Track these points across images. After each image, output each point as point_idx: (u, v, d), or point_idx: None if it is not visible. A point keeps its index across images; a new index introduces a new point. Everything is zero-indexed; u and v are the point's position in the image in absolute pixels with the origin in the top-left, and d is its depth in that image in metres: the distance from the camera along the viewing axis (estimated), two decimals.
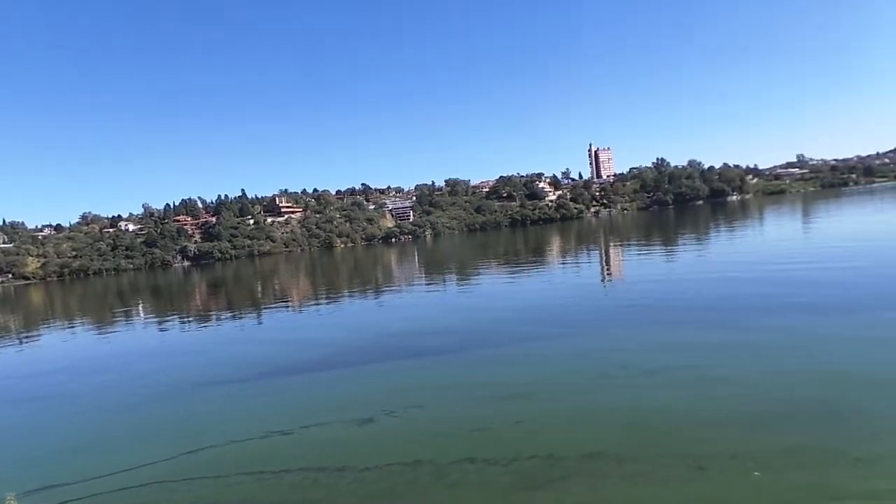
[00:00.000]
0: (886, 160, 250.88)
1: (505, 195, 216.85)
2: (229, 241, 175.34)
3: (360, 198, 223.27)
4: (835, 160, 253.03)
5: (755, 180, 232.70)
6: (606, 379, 12.17)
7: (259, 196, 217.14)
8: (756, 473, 7.36)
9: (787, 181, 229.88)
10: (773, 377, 11.04)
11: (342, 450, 9.92)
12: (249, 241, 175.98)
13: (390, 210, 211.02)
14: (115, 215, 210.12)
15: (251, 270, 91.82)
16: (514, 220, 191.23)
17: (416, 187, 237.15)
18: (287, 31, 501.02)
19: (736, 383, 10.96)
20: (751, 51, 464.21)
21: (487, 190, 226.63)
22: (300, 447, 10.31)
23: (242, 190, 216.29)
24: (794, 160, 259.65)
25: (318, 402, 13.02)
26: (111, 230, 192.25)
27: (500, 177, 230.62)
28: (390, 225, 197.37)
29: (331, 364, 16.62)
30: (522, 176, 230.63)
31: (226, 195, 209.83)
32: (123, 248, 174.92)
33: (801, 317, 15.73)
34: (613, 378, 12.14)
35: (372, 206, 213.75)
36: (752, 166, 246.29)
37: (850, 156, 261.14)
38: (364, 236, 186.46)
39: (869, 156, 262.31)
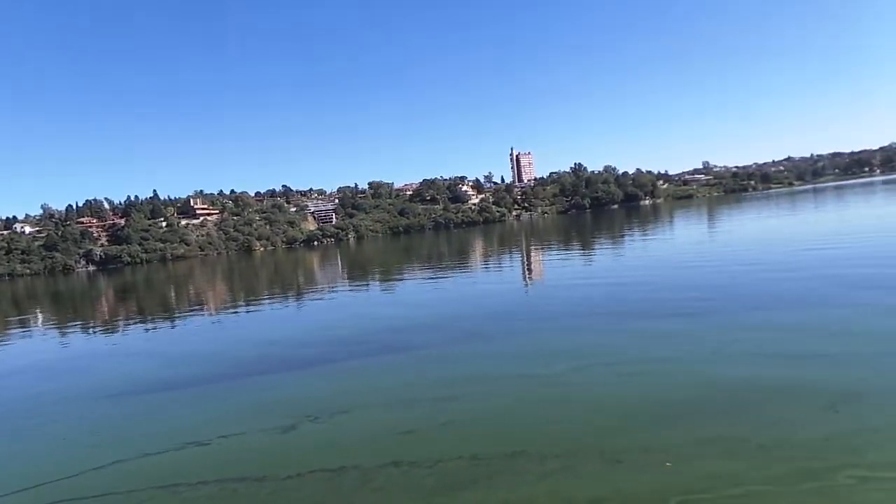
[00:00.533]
0: (781, 168, 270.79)
1: (429, 198, 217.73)
2: (140, 245, 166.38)
3: (280, 200, 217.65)
4: (736, 167, 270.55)
5: (666, 185, 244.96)
6: (529, 379, 12.42)
7: (172, 197, 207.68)
8: (668, 463, 7.72)
9: (695, 186, 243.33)
10: (682, 373, 11.62)
11: (263, 459, 9.60)
12: (162, 245, 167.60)
13: (312, 212, 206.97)
14: (10, 217, 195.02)
15: (164, 275, 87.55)
16: (438, 223, 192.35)
17: (339, 190, 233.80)
18: (197, 29, 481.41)
19: (649, 380, 11.47)
20: (660, 63, 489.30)
21: (411, 193, 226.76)
22: (218, 458, 9.90)
23: (154, 191, 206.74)
24: (701, 167, 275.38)
25: (238, 410, 12.56)
26: (5, 232, 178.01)
27: (424, 180, 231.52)
28: (312, 228, 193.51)
29: (251, 371, 16.08)
30: (446, 179, 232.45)
31: (136, 196, 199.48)
32: (19, 251, 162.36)
33: (705, 317, 16.66)
34: (536, 378, 12.41)
35: (293, 209, 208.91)
36: (662, 172, 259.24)
37: (750, 163, 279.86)
38: (285, 239, 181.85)
39: (765, 163, 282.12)
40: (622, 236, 59.06)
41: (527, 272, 37.48)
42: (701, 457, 7.84)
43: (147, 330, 28.52)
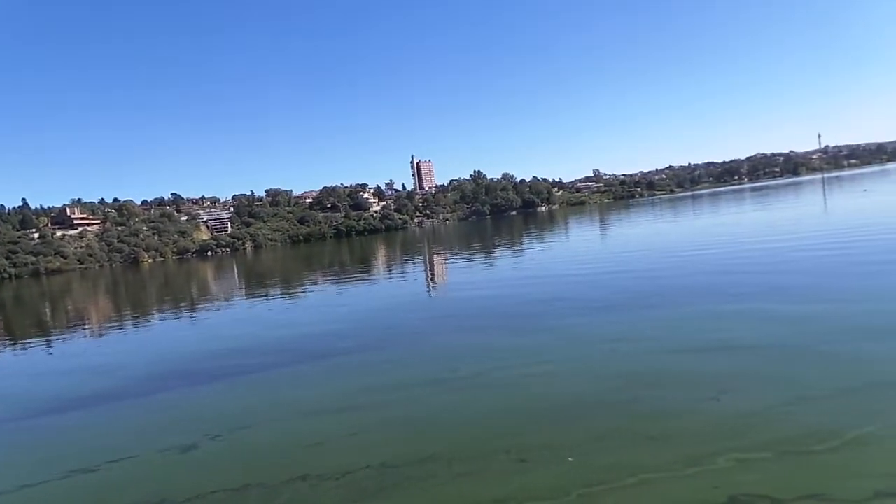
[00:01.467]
0: (663, 176, 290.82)
1: (329, 206, 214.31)
2: (7, 259, 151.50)
3: (170, 209, 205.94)
4: (624, 175, 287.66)
5: (560, 192, 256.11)
6: (435, 385, 12.53)
7: (46, 207, 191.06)
8: (570, 459, 8.06)
9: (587, 193, 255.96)
10: (581, 372, 12.16)
11: (160, 483, 9.04)
12: (34, 258, 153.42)
13: (205, 221, 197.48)
14: None
15: (37, 291, 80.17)
16: (339, 231, 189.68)
17: (234, 197, 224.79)
18: (62, 30, 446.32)
19: (551, 379, 11.92)
20: (551, 78, 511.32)
21: (311, 200, 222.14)
22: (108, 485, 9.21)
23: (24, 199, 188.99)
24: (592, 175, 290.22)
25: (130, 432, 11.74)
26: None
27: (324, 187, 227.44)
28: (206, 237, 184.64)
29: (142, 390, 15.08)
30: (346, 186, 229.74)
31: (1, 205, 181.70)
32: None
33: (599, 315, 17.56)
34: (442, 383, 12.53)
35: (185, 218, 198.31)
36: (557, 180, 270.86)
37: (636, 171, 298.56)
38: (176, 250, 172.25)
39: (650, 172, 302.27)
40: (521, 242, 60.98)
41: (430, 278, 37.79)
42: (600, 450, 8.26)
43: (19, 350, 26.01)
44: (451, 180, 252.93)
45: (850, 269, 19.60)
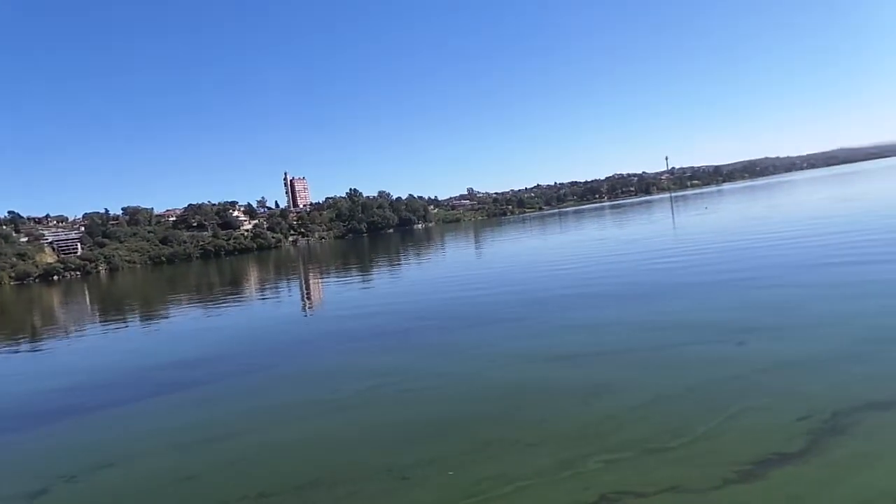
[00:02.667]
0: (532, 194, 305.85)
1: (195, 224, 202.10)
2: None
3: (7, 228, 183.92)
4: (496, 193, 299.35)
5: (436, 210, 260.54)
6: (315, 405, 12.17)
7: None
8: (450, 473, 8.13)
9: (461, 210, 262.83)
10: (458, 386, 12.37)
11: None
12: None
13: (51, 243, 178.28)
14: None
15: None
16: (207, 252, 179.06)
17: (85, 216, 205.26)
18: None
19: (429, 394, 12.01)
20: (423, 97, 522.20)
21: (175, 219, 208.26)
22: None
23: None
24: (466, 193, 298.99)
25: None
26: None
27: (190, 205, 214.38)
28: (51, 260, 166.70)
29: None
30: (214, 204, 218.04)
31: None
32: None
33: (474, 330, 18.00)
34: (321, 404, 12.20)
35: (25, 239, 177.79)
36: (433, 197, 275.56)
37: (507, 190, 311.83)
38: (14, 275, 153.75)
39: (520, 190, 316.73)
40: (399, 260, 61.20)
41: (306, 298, 36.79)
42: (479, 462, 8.40)
43: None
44: (327, 198, 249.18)
45: (698, 279, 21.63)
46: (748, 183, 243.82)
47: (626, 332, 14.94)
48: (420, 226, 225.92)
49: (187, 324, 30.70)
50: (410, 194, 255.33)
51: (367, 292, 35.02)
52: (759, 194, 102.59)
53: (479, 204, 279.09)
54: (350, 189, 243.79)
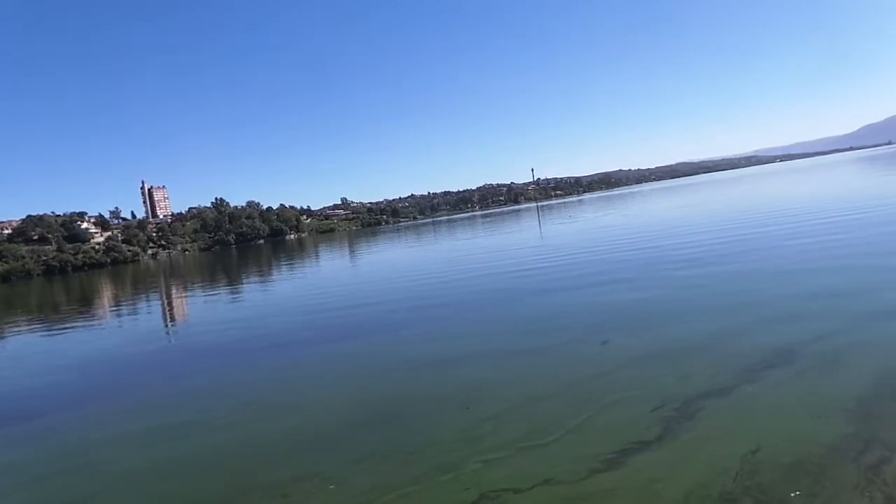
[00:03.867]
0: (406, 203, 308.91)
1: (36, 237, 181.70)
2: None
3: None
4: (370, 203, 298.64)
5: (309, 220, 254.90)
6: (183, 427, 11.42)
7: None
8: (331, 487, 7.99)
9: (335, 220, 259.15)
10: (337, 396, 12.19)
11: None
12: None
13: None
14: None
15: None
16: (51, 268, 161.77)
17: None
18: None
19: (308, 408, 11.71)
20: (294, 105, 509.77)
21: (10, 232, 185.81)
22: None
23: None
24: (340, 202, 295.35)
25: None
26: None
27: (29, 216, 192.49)
28: None
29: None
30: (59, 215, 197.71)
31: None
32: None
33: (348, 342, 17.86)
34: (193, 426, 11.48)
35: None
36: (306, 207, 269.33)
37: (381, 199, 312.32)
38: None
39: (394, 200, 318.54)
40: (270, 272, 59.09)
41: (168, 316, 34.40)
42: (360, 473, 8.33)
43: None
44: (190, 208, 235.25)
45: (565, 283, 22.95)
46: (605, 193, 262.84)
47: (499, 337, 15.52)
48: (293, 236, 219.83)
49: (23, 349, 27.53)
50: (282, 204, 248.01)
51: (235, 307, 33.43)
52: (616, 203, 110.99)
53: (353, 213, 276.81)
54: (216, 198, 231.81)
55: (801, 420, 7.92)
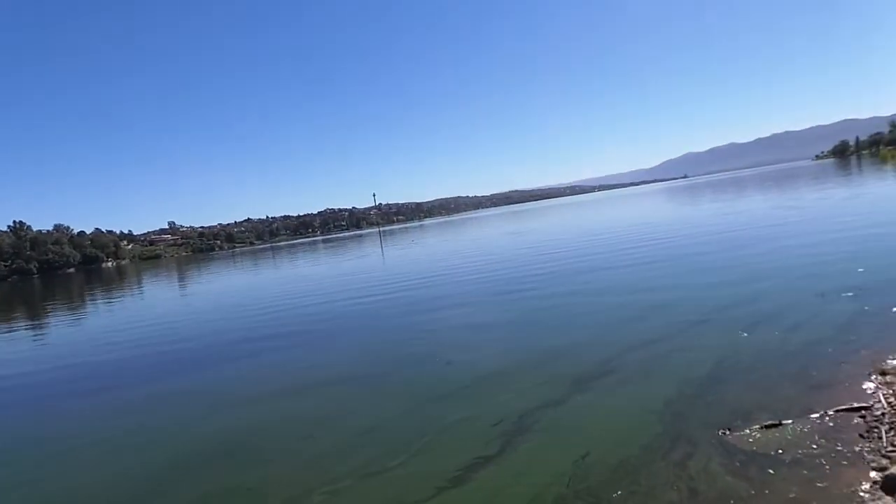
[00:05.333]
0: (243, 228, 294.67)
1: None
2: None
3: None
4: (202, 227, 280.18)
5: (131, 246, 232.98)
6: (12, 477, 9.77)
7: None
8: None
9: (162, 246, 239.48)
10: (173, 437, 11.25)
11: None
12: None
13: None
14: None
15: None
16: None
17: None
18: None
19: (146, 445, 10.72)
20: (107, 121, 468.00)
21: None
22: None
23: None
24: (167, 227, 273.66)
25: None
26: None
27: None
28: None
29: None
30: None
31: None
32: None
33: (175, 378, 16.62)
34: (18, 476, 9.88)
35: None
36: (127, 232, 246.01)
37: (215, 224, 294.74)
38: None
39: (229, 224, 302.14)
40: (80, 305, 52.91)
41: None
42: None
43: None
44: None
45: (407, 309, 23.26)
46: (445, 218, 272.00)
47: (342, 365, 15.33)
48: (110, 264, 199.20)
49: None
50: (97, 228, 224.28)
51: (40, 346, 29.42)
52: (455, 228, 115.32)
53: (182, 239, 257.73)
54: (14, 221, 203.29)
55: (623, 424, 8.77)
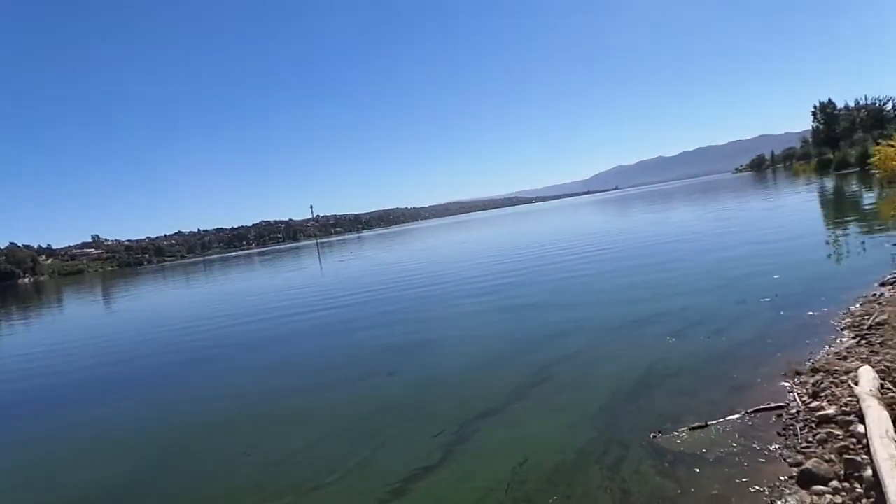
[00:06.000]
0: (173, 242, 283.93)
1: None
2: None
3: None
4: (129, 241, 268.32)
5: (50, 261, 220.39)
6: None
7: None
8: None
9: (85, 261, 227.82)
10: (103, 463, 10.75)
11: None
12: None
13: None
14: None
15: None
16: None
17: None
18: None
19: (83, 463, 10.17)
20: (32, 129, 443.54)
21: None
22: None
23: None
24: (91, 240, 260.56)
25: None
26: None
27: None
28: None
29: None
30: None
31: None
32: None
33: (116, 397, 15.93)
34: None
35: None
36: (45, 246, 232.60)
37: (143, 237, 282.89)
38: None
39: (158, 237, 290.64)
40: None
41: None
42: None
43: None
44: None
45: (344, 326, 23.05)
46: (384, 230, 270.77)
47: (280, 379, 15.04)
48: (27, 280, 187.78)
49: None
50: (12, 242, 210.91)
51: None
52: (394, 240, 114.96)
53: (107, 253, 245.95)
54: None
55: (559, 430, 9.00)
